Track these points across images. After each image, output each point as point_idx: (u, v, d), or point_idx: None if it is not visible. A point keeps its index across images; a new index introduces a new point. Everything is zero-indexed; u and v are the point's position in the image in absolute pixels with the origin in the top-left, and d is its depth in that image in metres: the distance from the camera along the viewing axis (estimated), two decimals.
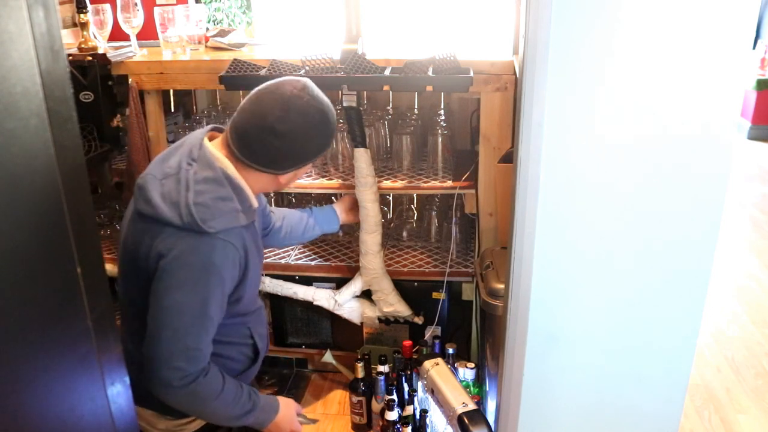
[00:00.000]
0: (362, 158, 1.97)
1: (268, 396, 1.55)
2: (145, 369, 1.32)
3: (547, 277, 1.25)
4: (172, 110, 2.59)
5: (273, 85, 1.38)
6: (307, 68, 1.91)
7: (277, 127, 1.33)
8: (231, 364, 1.53)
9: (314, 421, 1.76)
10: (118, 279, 1.48)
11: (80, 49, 2.03)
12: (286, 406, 1.57)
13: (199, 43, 2.23)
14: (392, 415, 1.91)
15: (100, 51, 2.04)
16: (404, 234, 2.42)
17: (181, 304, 1.30)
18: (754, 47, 5.67)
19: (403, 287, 2.20)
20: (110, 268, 2.36)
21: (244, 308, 1.49)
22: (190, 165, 1.34)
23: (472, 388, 2.02)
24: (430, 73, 1.84)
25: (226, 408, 1.40)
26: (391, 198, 2.42)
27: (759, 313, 2.99)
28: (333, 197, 2.32)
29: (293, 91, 1.35)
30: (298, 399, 2.34)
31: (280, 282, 2.24)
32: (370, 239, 2.07)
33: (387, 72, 1.86)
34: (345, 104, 1.93)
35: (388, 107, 2.47)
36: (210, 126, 1.48)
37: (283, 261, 2.30)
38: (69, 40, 2.39)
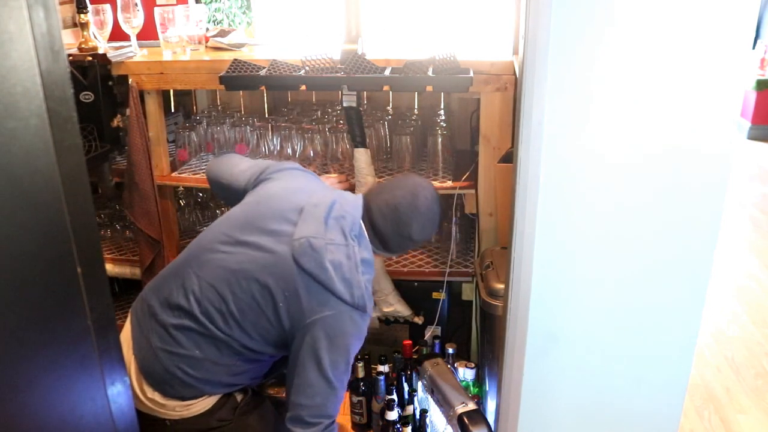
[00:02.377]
0: (362, 158, 1.97)
1: None
2: (294, 412, 1.46)
3: (547, 277, 1.25)
4: (172, 110, 2.59)
5: (410, 195, 1.57)
6: (307, 68, 1.91)
7: (414, 237, 1.58)
8: (257, 372, 1.61)
9: None
10: (197, 295, 1.48)
11: (80, 49, 2.03)
12: None
13: (199, 43, 2.23)
14: (392, 415, 1.91)
15: (101, 51, 2.04)
16: None
17: (336, 364, 1.45)
18: (753, 47, 5.66)
19: (403, 287, 2.20)
20: (110, 268, 2.37)
21: None
22: (354, 241, 1.50)
23: (472, 388, 2.02)
24: (430, 73, 1.84)
25: None
26: None
27: (759, 313, 2.99)
28: None
29: (427, 204, 1.58)
30: None
31: None
32: None
33: (387, 72, 1.86)
34: (345, 104, 1.93)
35: (388, 107, 2.47)
36: (361, 198, 1.61)
37: None
38: (69, 40, 2.39)
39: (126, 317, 2.25)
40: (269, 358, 1.58)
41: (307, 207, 1.52)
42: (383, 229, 1.56)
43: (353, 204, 1.57)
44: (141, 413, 1.51)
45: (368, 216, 1.57)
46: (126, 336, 1.55)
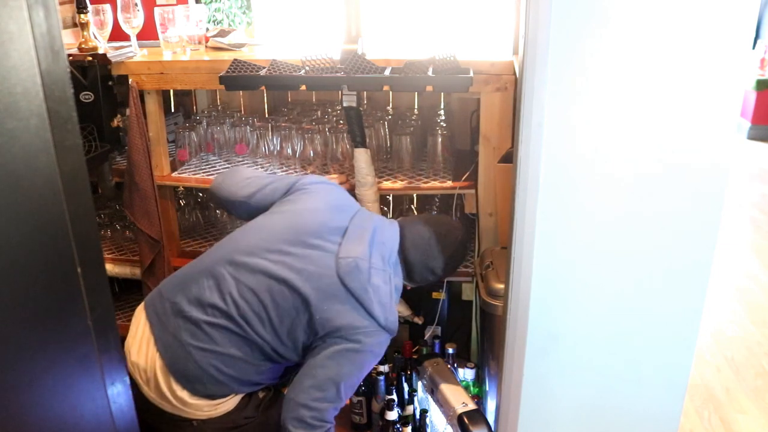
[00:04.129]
0: (362, 158, 1.97)
1: None
2: (296, 413, 1.47)
3: (547, 277, 1.26)
4: (172, 110, 2.59)
5: (445, 231, 1.68)
6: (307, 68, 1.91)
7: (437, 271, 1.69)
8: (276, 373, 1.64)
9: None
10: (234, 297, 1.51)
11: (80, 49, 2.03)
12: None
13: (199, 43, 2.23)
14: (392, 415, 1.91)
15: (101, 51, 2.04)
16: None
17: (351, 377, 1.51)
18: (753, 47, 5.66)
19: (403, 287, 2.20)
20: (110, 268, 2.36)
21: None
22: (390, 269, 1.59)
23: (472, 388, 2.02)
24: (430, 73, 1.84)
25: None
26: (391, 198, 2.42)
27: (759, 313, 2.99)
28: None
29: (456, 245, 1.69)
30: None
31: None
32: None
33: (387, 72, 1.86)
34: (345, 104, 1.93)
35: (388, 107, 2.47)
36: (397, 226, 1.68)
37: None
38: (69, 41, 2.39)
39: (126, 317, 2.23)
40: (287, 363, 1.61)
41: (351, 227, 1.59)
42: (412, 259, 1.64)
43: (391, 232, 1.65)
44: (165, 414, 1.53)
45: (401, 243, 1.64)
46: (142, 334, 1.55)
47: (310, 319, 1.49)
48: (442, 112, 2.39)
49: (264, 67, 1.93)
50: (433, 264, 1.66)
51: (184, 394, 1.51)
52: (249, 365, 1.52)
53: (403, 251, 1.64)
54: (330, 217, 1.62)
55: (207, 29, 2.38)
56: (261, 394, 1.63)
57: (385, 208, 2.42)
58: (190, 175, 2.23)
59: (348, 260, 1.50)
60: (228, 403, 1.56)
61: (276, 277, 1.50)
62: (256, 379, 1.57)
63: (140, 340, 1.54)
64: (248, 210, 1.76)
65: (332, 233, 1.57)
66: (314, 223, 1.59)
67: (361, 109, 1.98)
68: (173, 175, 2.23)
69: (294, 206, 1.66)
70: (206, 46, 2.28)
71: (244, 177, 1.82)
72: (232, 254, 1.57)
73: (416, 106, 2.47)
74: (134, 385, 1.52)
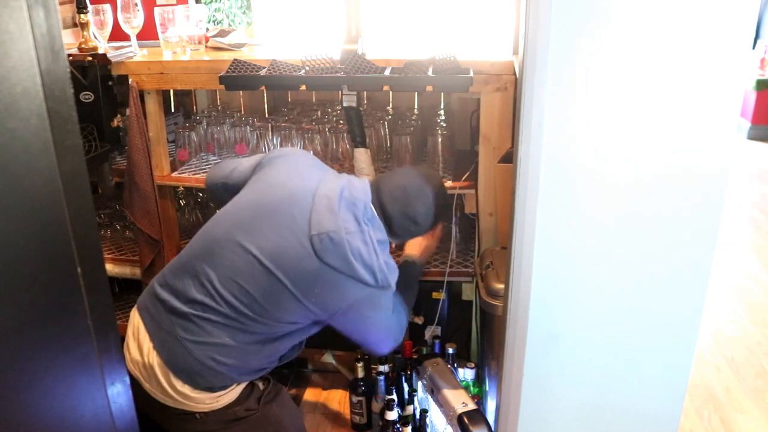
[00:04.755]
0: (362, 158, 1.97)
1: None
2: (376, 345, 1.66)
3: (547, 277, 1.26)
4: (172, 110, 2.59)
5: (420, 178, 1.66)
6: (307, 68, 1.91)
7: (418, 219, 1.64)
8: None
9: None
10: (218, 288, 1.51)
11: (80, 49, 2.03)
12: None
13: (199, 43, 2.23)
14: (392, 415, 1.91)
15: (101, 51, 2.04)
16: None
17: (378, 332, 1.63)
18: (753, 47, 5.66)
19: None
20: (110, 268, 2.36)
21: None
22: (367, 225, 1.56)
23: (472, 388, 2.02)
24: (430, 73, 1.84)
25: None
26: None
27: (759, 313, 2.99)
28: None
29: (434, 189, 1.66)
30: (297, 399, 2.34)
31: None
32: None
33: (387, 72, 1.86)
34: (345, 104, 1.93)
35: (388, 107, 2.48)
36: (369, 182, 1.68)
37: None
38: (69, 40, 2.39)
39: (126, 317, 2.23)
40: (284, 344, 1.63)
41: (318, 197, 1.54)
42: (390, 210, 1.61)
43: (362, 189, 1.61)
44: (168, 408, 1.55)
45: (377, 197, 1.61)
46: (138, 334, 1.56)
47: (305, 307, 1.50)
48: (442, 112, 2.39)
49: (264, 67, 1.93)
50: (413, 213, 1.62)
51: (185, 388, 1.51)
52: (245, 352, 1.53)
53: (381, 205, 1.61)
54: (297, 184, 1.59)
55: (207, 29, 2.38)
56: (261, 386, 1.65)
57: None
58: (190, 175, 2.23)
59: (321, 236, 1.48)
60: (229, 395, 1.57)
61: (255, 258, 1.49)
62: (255, 365, 1.58)
63: (137, 340, 1.55)
64: (229, 191, 1.75)
65: (301, 207, 1.53)
66: (283, 194, 1.57)
67: (361, 109, 1.98)
68: (173, 175, 2.23)
69: (260, 183, 1.65)
70: (206, 46, 2.28)
71: (226, 163, 1.84)
72: (208, 244, 1.57)
73: (416, 106, 2.47)
74: (136, 382, 1.53)
